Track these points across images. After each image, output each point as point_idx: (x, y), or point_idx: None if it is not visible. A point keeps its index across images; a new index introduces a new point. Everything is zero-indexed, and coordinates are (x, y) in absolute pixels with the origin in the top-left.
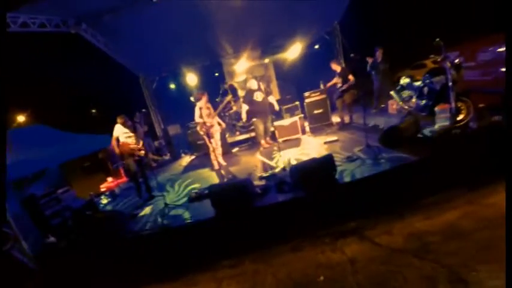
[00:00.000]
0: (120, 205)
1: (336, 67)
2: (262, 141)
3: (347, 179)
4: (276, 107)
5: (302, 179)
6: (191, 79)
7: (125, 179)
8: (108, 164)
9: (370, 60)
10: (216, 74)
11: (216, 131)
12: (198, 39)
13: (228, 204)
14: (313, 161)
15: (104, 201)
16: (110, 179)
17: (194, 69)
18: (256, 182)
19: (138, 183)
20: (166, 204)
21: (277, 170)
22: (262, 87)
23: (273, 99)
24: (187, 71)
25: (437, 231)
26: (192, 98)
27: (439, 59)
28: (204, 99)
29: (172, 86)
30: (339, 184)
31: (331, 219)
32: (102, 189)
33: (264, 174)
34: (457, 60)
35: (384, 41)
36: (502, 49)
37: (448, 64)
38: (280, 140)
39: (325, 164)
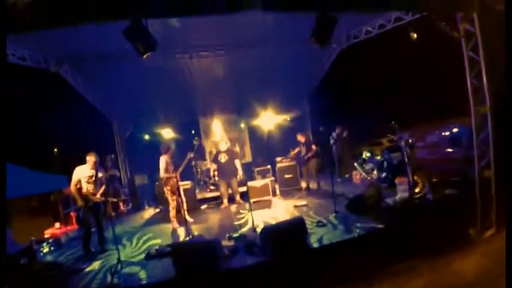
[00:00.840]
0: (64, 256)
1: (301, 138)
2: (225, 201)
3: (317, 244)
4: (239, 174)
5: (273, 242)
6: (167, 133)
7: (75, 226)
8: (60, 208)
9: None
10: (193, 132)
11: (181, 187)
12: (178, 96)
13: (192, 266)
14: (285, 223)
15: (46, 249)
16: (57, 224)
17: (171, 124)
18: (225, 242)
19: (89, 234)
20: (119, 260)
21: (246, 231)
22: (236, 149)
23: (238, 163)
24: (164, 125)
25: None
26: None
27: (394, 138)
28: (170, 153)
29: (146, 136)
30: (310, 249)
31: (301, 285)
32: (46, 236)
33: (233, 235)
34: (410, 140)
35: (346, 117)
36: (446, 133)
37: (403, 143)
38: (251, 200)
39: (297, 227)
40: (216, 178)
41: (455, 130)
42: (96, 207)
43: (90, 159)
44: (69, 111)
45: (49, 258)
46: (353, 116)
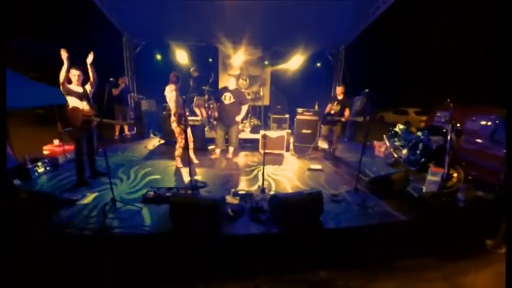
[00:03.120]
0: (57, 180)
1: (340, 93)
2: (217, 151)
3: (329, 224)
4: (238, 118)
5: (283, 213)
6: (181, 56)
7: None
8: (59, 125)
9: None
10: (210, 60)
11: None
12: (200, 14)
13: (190, 222)
14: (300, 195)
15: (41, 169)
16: (56, 141)
17: (187, 47)
18: (229, 198)
19: (81, 157)
20: (113, 200)
21: (254, 189)
22: (246, 90)
23: (244, 109)
24: (179, 46)
25: None
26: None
27: (442, 119)
28: (179, 85)
29: (158, 56)
30: (322, 228)
31: (303, 264)
32: (45, 152)
33: (239, 191)
34: (458, 125)
35: (378, 77)
36: (489, 123)
37: (449, 127)
38: (263, 151)
39: (313, 202)
40: (215, 122)
41: (497, 122)
42: (88, 128)
43: (75, 73)
44: (72, 13)
45: (43, 178)
46: (386, 78)
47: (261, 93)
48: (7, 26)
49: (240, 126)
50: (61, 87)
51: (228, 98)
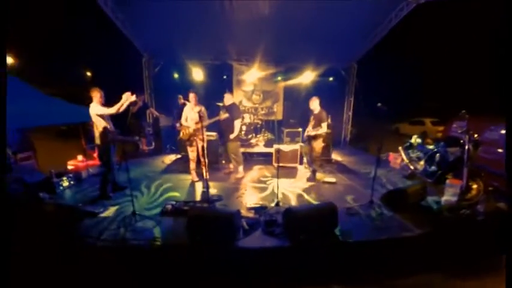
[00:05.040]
0: (82, 194)
1: (315, 106)
2: (231, 165)
3: (344, 237)
4: (232, 136)
5: (297, 226)
6: (197, 74)
7: (96, 161)
8: (83, 141)
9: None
10: (225, 77)
11: (200, 141)
12: (215, 35)
13: (207, 235)
14: (314, 208)
15: (65, 183)
16: (80, 157)
17: (203, 65)
18: (243, 212)
19: (108, 173)
20: (134, 213)
21: (268, 202)
22: (259, 105)
23: (237, 124)
24: (195, 65)
25: None
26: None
27: (459, 130)
28: (193, 100)
29: (175, 75)
30: (336, 242)
31: (314, 277)
32: (69, 167)
33: (254, 205)
34: (476, 136)
35: (393, 88)
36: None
37: (467, 137)
38: (277, 164)
39: (327, 215)
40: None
41: None
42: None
43: (95, 94)
44: (97, 37)
45: (68, 192)
46: (401, 89)
47: (275, 109)
48: (7, 25)
49: (256, 141)
50: (99, 112)
51: (222, 115)
